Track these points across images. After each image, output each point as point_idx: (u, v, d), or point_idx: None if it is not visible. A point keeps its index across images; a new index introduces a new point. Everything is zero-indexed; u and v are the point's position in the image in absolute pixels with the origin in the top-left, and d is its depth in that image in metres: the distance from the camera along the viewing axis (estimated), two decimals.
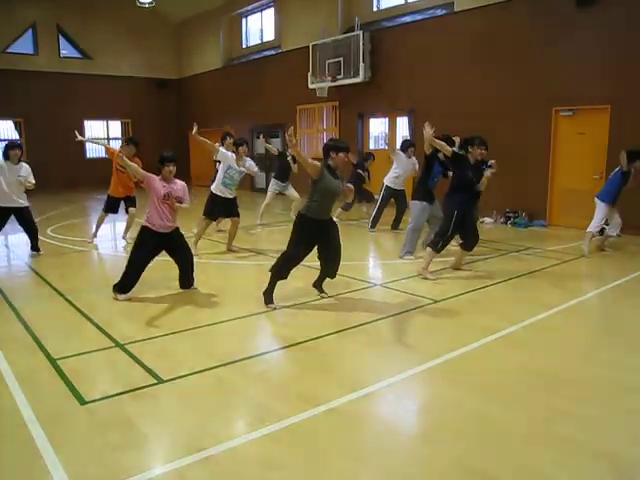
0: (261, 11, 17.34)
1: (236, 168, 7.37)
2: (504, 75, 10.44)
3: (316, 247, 5.26)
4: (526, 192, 10.28)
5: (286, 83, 15.54)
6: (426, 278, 6.25)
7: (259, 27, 17.67)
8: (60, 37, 18.53)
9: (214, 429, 3.03)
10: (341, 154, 5.06)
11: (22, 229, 7.62)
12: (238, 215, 7.72)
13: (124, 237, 8.71)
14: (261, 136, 11.83)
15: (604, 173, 8.89)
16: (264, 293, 5.22)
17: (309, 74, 14.10)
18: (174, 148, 5.95)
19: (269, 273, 5.22)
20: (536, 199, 10.23)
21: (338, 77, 13.39)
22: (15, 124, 18.00)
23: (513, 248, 8.09)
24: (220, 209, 7.66)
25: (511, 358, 4.03)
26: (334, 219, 5.45)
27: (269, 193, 10.44)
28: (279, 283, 5.22)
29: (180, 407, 3.32)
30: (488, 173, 6.19)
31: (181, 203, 5.52)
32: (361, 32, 12.78)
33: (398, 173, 9.13)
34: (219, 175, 7.54)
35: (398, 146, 9.59)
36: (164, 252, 5.62)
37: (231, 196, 7.57)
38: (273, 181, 10.43)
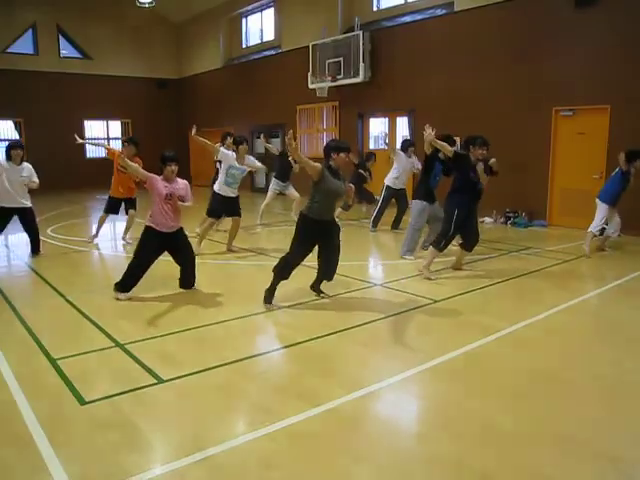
0: (261, 11, 17.34)
1: (237, 167, 7.37)
2: (503, 75, 10.44)
3: (316, 247, 5.26)
4: (526, 192, 10.28)
5: (286, 83, 15.54)
6: (428, 278, 6.26)
7: (259, 27, 17.67)
8: (60, 37, 18.52)
9: (214, 429, 3.04)
10: (342, 154, 5.06)
11: (23, 229, 7.62)
12: (240, 215, 7.73)
13: (123, 238, 8.71)
14: (262, 136, 11.83)
15: (604, 173, 8.90)
16: (266, 292, 5.22)
17: (309, 74, 14.10)
18: (174, 148, 5.94)
19: (272, 273, 5.22)
20: (536, 199, 10.24)
21: (338, 77, 13.39)
22: (15, 124, 18.00)
23: (513, 248, 8.10)
24: (223, 208, 7.67)
25: (511, 358, 4.03)
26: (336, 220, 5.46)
27: (269, 193, 10.42)
28: (281, 283, 5.23)
29: (180, 407, 3.32)
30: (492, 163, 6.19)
31: (184, 202, 5.52)
32: (361, 32, 12.78)
33: (398, 173, 9.15)
34: (221, 175, 7.55)
35: (398, 146, 9.60)
36: (165, 252, 5.63)
37: (234, 195, 7.58)
38: (274, 181, 10.41)
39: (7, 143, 7.61)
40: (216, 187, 7.62)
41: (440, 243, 6.36)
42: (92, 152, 18.99)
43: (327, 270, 5.40)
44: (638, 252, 7.87)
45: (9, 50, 17.61)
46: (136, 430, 3.01)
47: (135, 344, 4.25)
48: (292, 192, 10.25)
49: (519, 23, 10.15)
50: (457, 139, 7.20)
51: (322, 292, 5.55)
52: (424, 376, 3.75)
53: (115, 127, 20.00)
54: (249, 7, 17.30)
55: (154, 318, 4.90)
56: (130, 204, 8.49)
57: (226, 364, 3.87)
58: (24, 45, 17.93)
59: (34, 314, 5.05)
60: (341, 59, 13.21)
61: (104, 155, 8.82)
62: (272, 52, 16.51)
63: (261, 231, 9.96)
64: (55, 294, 5.73)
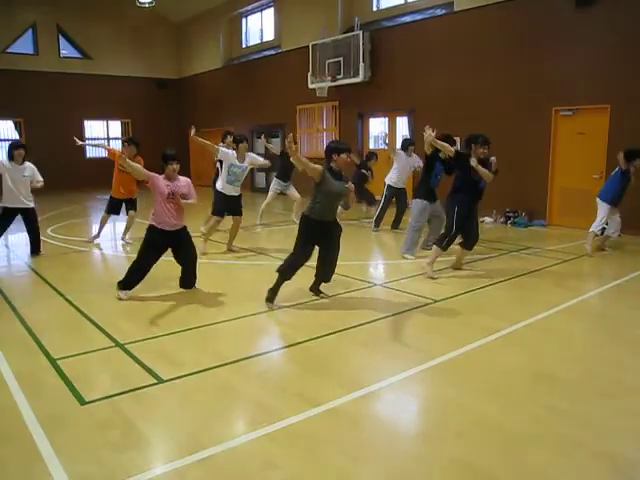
0: (261, 11, 17.34)
1: (238, 164, 7.39)
2: (503, 75, 10.44)
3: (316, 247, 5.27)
4: (526, 192, 10.28)
5: (286, 83, 15.54)
6: (431, 277, 6.29)
7: (259, 27, 17.67)
8: (60, 37, 18.52)
9: (214, 429, 3.04)
10: (343, 155, 5.08)
11: (25, 229, 7.63)
12: (241, 214, 7.75)
13: (123, 238, 8.71)
14: (262, 136, 11.82)
15: (604, 173, 8.90)
16: (269, 291, 5.22)
17: (309, 74, 14.10)
18: (174, 148, 5.94)
19: (276, 273, 5.23)
20: (536, 199, 10.24)
21: (338, 77, 13.39)
22: (15, 124, 18.00)
23: (513, 248, 8.10)
24: (225, 207, 7.69)
25: (511, 358, 4.03)
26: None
27: (270, 193, 10.39)
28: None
29: (180, 407, 3.32)
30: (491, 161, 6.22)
31: (187, 199, 5.53)
32: (361, 32, 12.78)
33: (399, 172, 9.19)
34: (223, 174, 7.57)
35: (398, 146, 9.61)
36: (166, 253, 5.63)
37: (236, 193, 7.60)
38: (275, 181, 10.37)
39: (9, 143, 7.63)
40: (219, 186, 7.64)
41: (442, 242, 6.41)
42: (92, 152, 18.98)
43: (325, 271, 5.41)
44: (638, 252, 7.87)
45: (9, 50, 17.61)
46: (136, 430, 3.01)
47: (135, 344, 4.25)
48: (293, 192, 10.23)
49: (519, 23, 10.15)
50: (457, 139, 7.20)
51: (321, 292, 5.55)
52: (424, 376, 3.75)
53: (115, 127, 20.00)
54: (249, 7, 17.30)
55: (154, 318, 4.90)
56: (131, 204, 8.49)
57: (226, 364, 3.87)
58: (24, 45, 17.93)
59: (34, 314, 5.04)
60: (341, 59, 13.21)
61: (104, 155, 8.81)
62: (272, 52, 16.51)
63: (261, 231, 9.95)
64: (55, 294, 5.73)
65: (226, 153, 7.44)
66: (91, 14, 18.45)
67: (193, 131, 7.23)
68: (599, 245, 7.84)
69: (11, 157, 7.24)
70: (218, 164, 8.83)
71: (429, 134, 6.24)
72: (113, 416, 3.16)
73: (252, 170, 8.07)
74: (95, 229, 8.94)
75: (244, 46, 18.30)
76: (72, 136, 9.33)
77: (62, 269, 6.95)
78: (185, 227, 5.65)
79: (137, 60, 19.69)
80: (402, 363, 3.91)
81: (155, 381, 3.59)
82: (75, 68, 18.60)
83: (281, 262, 5.33)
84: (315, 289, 5.56)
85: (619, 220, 7.63)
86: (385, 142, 11.67)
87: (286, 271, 5.20)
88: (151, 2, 15.98)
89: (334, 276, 5.54)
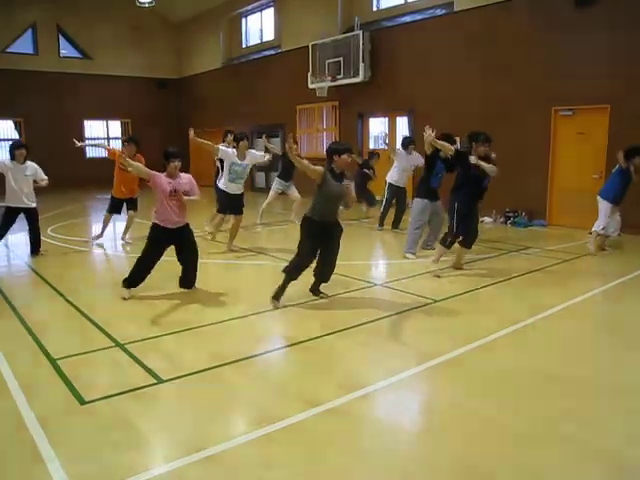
0: (261, 11, 17.34)
1: (239, 162, 7.41)
2: (503, 75, 10.44)
3: None
4: (526, 192, 10.28)
5: (286, 83, 15.54)
6: (437, 276, 6.36)
7: (259, 27, 17.66)
8: (60, 37, 18.53)
9: (214, 429, 3.04)
10: (344, 156, 5.10)
11: (25, 229, 7.64)
12: (242, 212, 7.77)
13: (123, 238, 8.71)
14: (263, 136, 11.81)
15: (604, 173, 8.90)
16: (276, 290, 5.25)
17: (309, 74, 14.09)
18: (175, 146, 5.95)
19: (282, 274, 5.26)
20: (536, 199, 10.23)
21: (338, 77, 13.38)
22: (15, 124, 18.01)
23: (513, 248, 8.10)
24: (228, 205, 7.71)
25: (511, 358, 4.03)
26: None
27: (272, 192, 10.32)
28: (277, 283, 5.25)
29: (180, 407, 3.32)
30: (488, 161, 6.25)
31: (190, 196, 5.56)
32: (361, 32, 12.77)
33: (399, 170, 9.23)
34: (225, 172, 7.60)
35: (398, 146, 9.62)
36: (166, 253, 5.64)
37: (239, 192, 7.63)
38: (277, 180, 10.32)
39: (11, 143, 7.66)
40: (221, 184, 7.68)
41: (446, 240, 6.51)
42: (92, 152, 18.97)
43: (324, 271, 5.42)
44: (637, 251, 7.87)
45: (9, 50, 17.61)
46: (136, 430, 3.01)
47: (135, 344, 4.25)
48: (293, 193, 10.19)
49: (519, 23, 10.15)
50: (457, 139, 7.21)
51: (321, 293, 5.55)
52: (424, 376, 3.75)
53: (115, 127, 20.00)
54: (249, 7, 17.30)
55: (154, 318, 4.89)
56: (131, 204, 8.50)
57: (226, 364, 3.87)
58: (24, 45, 17.94)
59: (34, 314, 5.05)
60: (341, 59, 13.20)
61: (104, 155, 8.82)
62: (272, 52, 16.51)
63: (261, 230, 9.95)
64: (55, 294, 5.73)
65: (226, 152, 7.46)
66: (91, 14, 18.44)
67: (192, 133, 7.23)
68: (599, 244, 7.83)
69: (13, 156, 7.27)
70: (218, 162, 8.86)
71: (428, 134, 6.27)
72: (113, 416, 3.16)
73: (252, 170, 8.07)
74: (95, 229, 8.94)
75: (244, 46, 18.30)
76: (72, 136, 9.35)
77: (62, 269, 6.95)
78: (188, 224, 5.67)
79: (137, 60, 19.68)
80: (402, 363, 3.91)
81: (155, 381, 3.59)
82: (75, 68, 18.60)
83: (284, 262, 5.36)
84: (315, 290, 5.55)
85: (619, 219, 7.64)
86: (385, 142, 11.68)
87: (292, 272, 5.23)
88: (151, 2, 15.97)
89: (334, 276, 5.54)
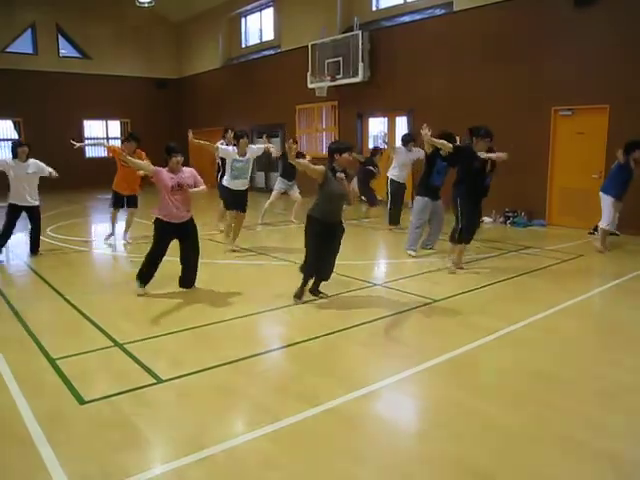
0: (260, 11, 17.33)
1: (240, 159, 7.43)
2: (503, 74, 10.44)
3: None
4: (525, 192, 10.28)
5: (285, 83, 15.54)
6: (452, 272, 6.50)
7: (258, 27, 17.66)
8: (59, 37, 18.51)
9: (213, 429, 3.03)
10: (345, 155, 5.15)
11: (25, 228, 7.67)
12: (244, 210, 7.79)
13: (124, 237, 8.70)
14: (264, 136, 11.80)
15: (603, 172, 8.90)
16: (297, 290, 5.38)
17: (308, 74, 14.09)
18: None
19: (301, 274, 5.41)
20: (535, 199, 10.23)
21: (337, 77, 13.38)
22: (14, 124, 17.99)
23: (512, 248, 8.09)
24: (232, 201, 7.73)
25: (511, 358, 4.03)
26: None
27: (274, 192, 10.29)
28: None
29: (179, 407, 3.32)
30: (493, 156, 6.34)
31: (196, 188, 5.60)
32: (360, 32, 12.77)
33: (399, 167, 9.29)
34: (227, 170, 7.63)
35: (398, 143, 9.67)
36: (167, 254, 5.67)
37: (244, 187, 7.66)
38: (279, 180, 10.29)
39: (13, 142, 7.74)
40: (224, 182, 7.70)
41: (454, 237, 6.60)
42: (91, 152, 18.99)
43: (324, 269, 5.42)
44: (637, 251, 7.87)
45: (8, 50, 17.59)
46: (135, 430, 3.01)
47: (134, 344, 4.24)
48: (295, 193, 10.17)
49: (518, 23, 10.15)
50: (457, 138, 7.22)
51: (321, 293, 5.55)
52: (424, 376, 3.75)
53: (114, 127, 19.99)
54: (248, 7, 17.29)
55: (154, 318, 4.89)
56: (132, 201, 8.53)
57: (226, 364, 3.87)
58: (23, 45, 17.92)
59: (33, 314, 5.04)
60: (340, 59, 13.20)
61: (104, 155, 8.87)
62: (271, 52, 16.50)
63: (261, 231, 9.94)
64: (54, 294, 5.72)
65: (226, 150, 7.50)
66: (90, 14, 18.43)
67: (191, 135, 7.21)
68: (605, 242, 7.86)
69: (15, 155, 7.31)
70: (219, 160, 8.89)
71: (425, 133, 6.32)
72: (112, 416, 3.15)
73: (252, 170, 8.06)
74: (95, 229, 8.94)
75: (243, 46, 18.29)
76: (71, 136, 9.35)
77: (62, 269, 6.95)
78: (192, 219, 5.69)
79: (136, 60, 19.67)
80: (402, 363, 3.91)
81: (154, 381, 3.58)
82: (74, 68, 18.58)
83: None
84: (315, 290, 5.55)
85: (617, 217, 7.67)
86: (384, 141, 11.68)
87: (307, 271, 5.35)
88: (150, 2, 15.97)
89: (333, 275, 5.55)
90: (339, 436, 2.95)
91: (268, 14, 16.98)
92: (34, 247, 7.65)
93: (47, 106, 17.81)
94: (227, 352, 4.07)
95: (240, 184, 7.57)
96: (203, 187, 5.67)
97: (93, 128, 19.48)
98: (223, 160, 8.05)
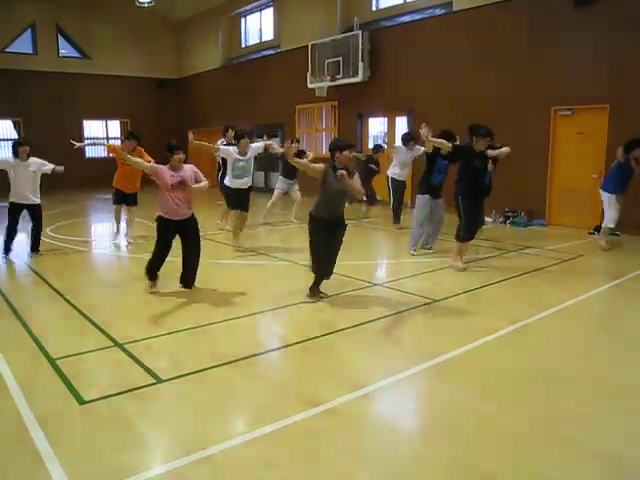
0: (260, 11, 17.33)
1: (241, 158, 7.46)
2: (503, 74, 10.44)
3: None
4: (525, 191, 10.27)
5: (285, 83, 15.53)
6: (461, 270, 6.53)
7: (258, 27, 17.65)
8: (59, 37, 18.50)
9: (213, 429, 3.03)
10: (345, 152, 5.18)
11: (25, 227, 7.69)
12: (247, 210, 7.81)
13: (126, 237, 8.71)
14: (264, 136, 11.78)
15: (603, 172, 8.90)
16: (310, 289, 5.44)
17: (308, 74, 14.08)
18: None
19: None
20: (535, 198, 10.23)
21: (337, 77, 13.38)
22: (14, 123, 17.98)
23: (512, 247, 8.09)
24: (235, 200, 7.74)
25: (511, 358, 4.03)
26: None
27: (276, 192, 10.27)
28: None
29: (179, 407, 3.32)
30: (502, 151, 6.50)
31: (199, 183, 5.63)
32: (360, 32, 12.77)
33: (400, 166, 9.35)
34: (228, 170, 7.64)
35: (398, 142, 9.70)
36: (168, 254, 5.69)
37: (246, 186, 7.67)
38: (280, 179, 10.26)
39: (14, 141, 7.74)
40: (227, 181, 7.71)
41: (459, 235, 6.63)
42: (91, 152, 18.97)
43: (326, 267, 5.44)
44: (637, 251, 7.87)
45: (8, 49, 17.58)
46: (135, 430, 3.01)
47: (134, 344, 4.24)
48: (295, 192, 10.15)
49: (518, 23, 10.15)
50: (457, 137, 7.24)
51: (321, 292, 5.54)
52: (424, 376, 3.75)
53: (114, 127, 19.98)
54: (248, 7, 17.29)
55: (154, 318, 4.89)
56: (132, 200, 8.56)
57: (225, 364, 3.87)
58: (23, 44, 17.91)
59: (34, 314, 5.04)
60: (340, 59, 13.20)
61: (104, 155, 8.91)
62: (271, 52, 16.50)
63: (261, 231, 9.93)
64: (55, 294, 5.72)
65: (227, 150, 7.53)
66: (90, 13, 18.42)
67: (191, 136, 7.22)
68: (600, 244, 7.86)
69: (16, 154, 7.32)
70: (220, 160, 8.91)
71: (423, 132, 6.35)
72: (112, 416, 3.15)
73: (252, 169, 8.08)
74: (95, 229, 8.95)
75: (243, 46, 18.29)
76: (71, 136, 9.36)
77: (62, 269, 6.94)
78: (193, 215, 5.71)
79: (136, 60, 19.66)
80: (402, 363, 3.91)
81: (154, 381, 3.58)
82: (74, 68, 18.57)
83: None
84: (315, 292, 5.54)
85: (618, 213, 7.69)
86: (384, 141, 11.68)
87: (318, 269, 5.36)
88: (150, 2, 15.95)
89: (333, 275, 5.55)
90: (339, 436, 2.95)
91: (268, 14, 16.98)
92: (35, 245, 7.67)
93: (47, 106, 17.79)
94: (227, 352, 4.07)
95: (242, 183, 7.59)
96: (205, 182, 5.70)
97: (93, 128, 19.47)
98: (224, 159, 8.06)
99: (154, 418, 3.18)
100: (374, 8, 13.54)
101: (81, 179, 17.61)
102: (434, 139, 6.57)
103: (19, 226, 7.65)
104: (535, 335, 4.53)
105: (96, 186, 15.57)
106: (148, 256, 5.76)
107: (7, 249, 7.48)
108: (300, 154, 9.28)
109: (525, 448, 2.83)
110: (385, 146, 10.23)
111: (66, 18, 18.26)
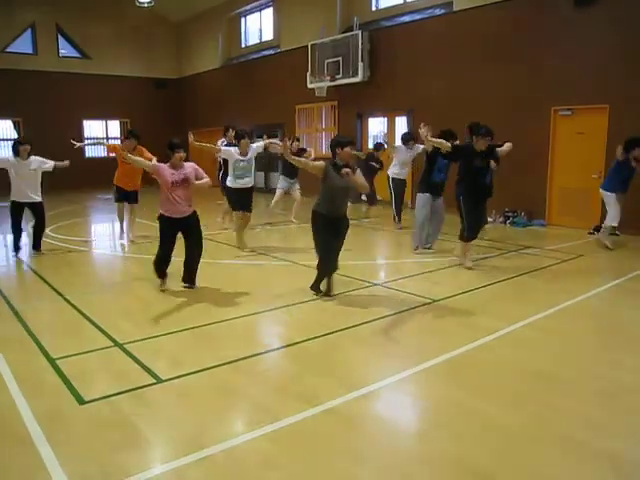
0: (260, 11, 17.33)
1: (242, 159, 7.48)
2: (503, 74, 10.43)
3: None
4: (525, 192, 10.27)
5: (285, 83, 15.53)
6: (469, 268, 6.57)
7: (258, 27, 17.65)
8: (59, 37, 18.49)
9: (213, 429, 3.03)
10: (346, 149, 5.20)
11: (34, 223, 7.74)
12: (250, 210, 7.82)
13: (129, 237, 8.71)
14: (264, 136, 11.78)
15: (603, 172, 8.90)
16: (312, 285, 5.51)
17: (308, 74, 14.08)
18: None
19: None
20: (535, 198, 10.23)
21: (337, 77, 13.38)
22: (14, 123, 17.97)
23: (512, 247, 8.09)
24: (238, 200, 7.75)
25: (511, 358, 4.03)
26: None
27: (278, 191, 10.25)
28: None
29: (179, 407, 3.32)
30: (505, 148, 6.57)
31: (201, 180, 5.67)
32: (360, 32, 12.77)
33: (400, 165, 9.37)
34: (230, 171, 7.65)
35: (398, 142, 9.71)
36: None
37: (249, 186, 7.68)
38: (281, 178, 10.23)
39: (15, 140, 7.79)
40: (228, 182, 7.72)
41: (462, 236, 6.65)
42: (91, 152, 18.96)
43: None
44: (637, 251, 7.87)
45: (8, 49, 17.57)
46: (135, 430, 3.00)
47: (134, 344, 4.24)
48: (296, 192, 10.14)
49: (518, 23, 10.15)
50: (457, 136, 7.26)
51: (321, 292, 5.54)
52: (424, 376, 3.74)
53: (114, 127, 19.98)
54: (248, 7, 17.29)
55: (154, 318, 4.89)
56: (133, 198, 8.58)
57: (225, 363, 3.87)
58: (23, 45, 17.90)
59: (34, 314, 5.04)
60: (340, 59, 13.20)
61: (104, 155, 8.94)
62: (271, 52, 16.50)
63: (261, 231, 9.92)
64: (55, 294, 5.72)
65: (228, 151, 7.55)
66: (90, 14, 18.41)
67: (191, 137, 7.22)
68: (603, 243, 7.88)
69: (17, 153, 7.35)
70: (221, 160, 8.93)
71: (423, 132, 6.37)
72: (112, 416, 3.15)
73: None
74: (95, 229, 8.95)
75: (243, 46, 18.29)
76: (71, 136, 9.37)
77: (62, 269, 6.94)
78: (195, 212, 5.72)
79: (136, 60, 19.66)
80: (402, 363, 3.91)
81: (154, 381, 3.58)
82: (74, 68, 18.57)
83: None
84: (316, 288, 5.56)
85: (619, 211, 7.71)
86: (384, 141, 11.68)
87: (321, 267, 5.40)
88: (150, 2, 15.96)
89: (333, 275, 5.54)
90: (339, 436, 2.95)
91: (268, 14, 16.98)
92: (37, 243, 7.70)
93: (47, 106, 17.79)
94: (227, 352, 4.07)
95: (244, 183, 7.59)
96: (207, 179, 5.74)
97: (93, 128, 19.47)
98: (225, 160, 8.08)
99: (154, 418, 3.18)
100: (374, 8, 13.54)
101: (81, 179, 17.60)
102: (433, 139, 6.58)
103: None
104: (535, 335, 4.53)
105: (96, 186, 15.58)
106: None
107: (17, 247, 7.57)
108: (300, 152, 9.28)
109: (525, 448, 2.83)
110: (385, 145, 10.22)
111: (66, 18, 18.26)
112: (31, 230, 7.80)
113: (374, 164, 10.20)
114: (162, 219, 5.60)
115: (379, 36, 12.85)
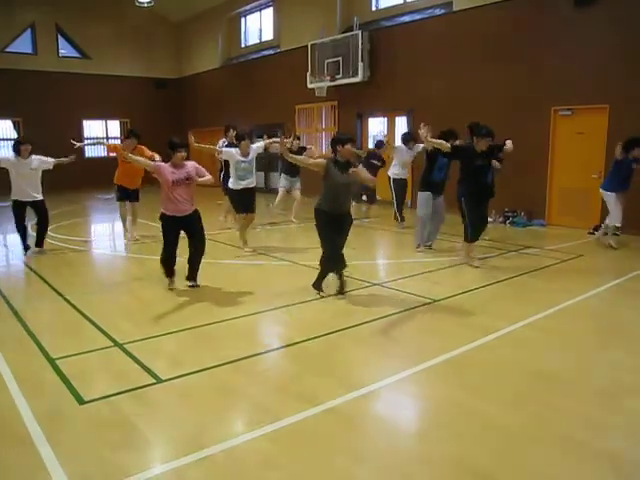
0: (260, 11, 17.32)
1: (243, 159, 7.48)
2: (502, 74, 10.43)
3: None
4: (525, 191, 10.27)
5: (285, 83, 15.53)
6: (476, 267, 6.63)
7: (258, 27, 17.65)
8: (59, 37, 18.48)
9: (213, 429, 3.03)
10: (347, 146, 5.22)
11: (36, 222, 7.80)
12: (254, 211, 7.82)
13: (132, 235, 8.71)
14: (265, 136, 11.76)
15: (603, 172, 8.90)
16: (316, 283, 5.52)
17: (308, 74, 14.08)
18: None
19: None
20: (535, 198, 10.23)
21: (337, 77, 13.37)
22: (14, 123, 17.96)
23: (512, 247, 8.09)
24: (240, 201, 7.75)
25: (511, 357, 4.03)
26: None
27: (280, 191, 10.25)
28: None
29: (179, 407, 3.32)
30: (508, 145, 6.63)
31: (203, 178, 5.71)
32: (360, 32, 12.77)
33: (399, 165, 9.39)
34: (231, 172, 7.65)
35: (398, 142, 9.72)
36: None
37: (251, 185, 7.67)
38: (283, 176, 10.22)
39: (15, 140, 7.88)
40: (231, 184, 7.71)
41: (466, 236, 6.70)
42: (91, 152, 18.95)
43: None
44: (637, 251, 7.87)
45: (8, 49, 17.56)
46: (135, 430, 3.00)
47: (134, 344, 4.24)
48: (296, 191, 10.13)
49: (518, 23, 10.14)
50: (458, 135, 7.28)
51: (321, 291, 5.54)
52: (424, 376, 3.74)
53: (114, 127, 19.98)
54: (248, 7, 17.28)
55: (154, 318, 4.89)
56: (134, 196, 8.58)
57: (225, 363, 3.87)
58: (23, 45, 17.89)
59: (33, 314, 5.04)
60: (340, 59, 13.19)
61: (104, 155, 8.96)
62: (271, 52, 16.50)
63: (261, 230, 9.92)
64: (55, 294, 5.72)
65: (229, 152, 7.56)
66: (90, 14, 18.40)
67: (192, 138, 7.21)
68: (604, 243, 7.89)
69: (17, 152, 7.37)
70: (222, 160, 8.93)
71: (422, 132, 6.37)
72: (112, 416, 3.15)
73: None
74: (95, 229, 8.95)
75: (243, 46, 18.28)
76: (71, 136, 9.37)
77: (62, 269, 6.95)
78: (196, 210, 5.74)
79: (136, 60, 19.65)
80: (402, 363, 3.91)
81: (154, 381, 3.58)
82: (74, 68, 18.56)
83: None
84: (318, 285, 5.55)
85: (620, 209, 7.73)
86: (385, 141, 11.67)
87: (325, 264, 5.43)
88: (150, 2, 15.95)
89: (333, 275, 5.54)
90: (339, 436, 2.95)
91: (268, 14, 16.97)
92: (39, 240, 7.74)
93: (47, 106, 17.78)
94: (227, 352, 4.07)
95: (247, 183, 7.59)
96: (209, 176, 5.77)
97: (93, 128, 19.46)
98: (226, 160, 8.08)
99: (154, 418, 3.18)
100: (374, 8, 13.53)
101: (81, 179, 17.61)
102: (433, 140, 6.58)
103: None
104: (535, 335, 4.53)
105: (96, 186, 15.58)
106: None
107: (26, 247, 7.66)
108: (300, 151, 9.27)
109: (525, 448, 2.83)
110: (386, 146, 10.22)
111: (66, 18, 18.24)
112: (34, 230, 7.82)
113: (375, 162, 10.17)
114: (164, 218, 5.62)
115: (379, 36, 12.84)
